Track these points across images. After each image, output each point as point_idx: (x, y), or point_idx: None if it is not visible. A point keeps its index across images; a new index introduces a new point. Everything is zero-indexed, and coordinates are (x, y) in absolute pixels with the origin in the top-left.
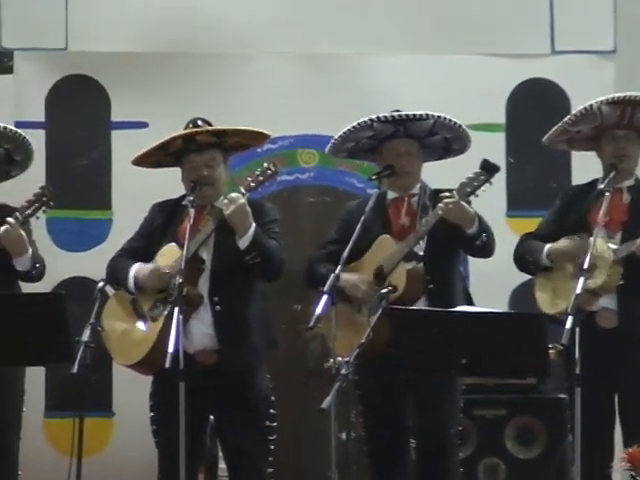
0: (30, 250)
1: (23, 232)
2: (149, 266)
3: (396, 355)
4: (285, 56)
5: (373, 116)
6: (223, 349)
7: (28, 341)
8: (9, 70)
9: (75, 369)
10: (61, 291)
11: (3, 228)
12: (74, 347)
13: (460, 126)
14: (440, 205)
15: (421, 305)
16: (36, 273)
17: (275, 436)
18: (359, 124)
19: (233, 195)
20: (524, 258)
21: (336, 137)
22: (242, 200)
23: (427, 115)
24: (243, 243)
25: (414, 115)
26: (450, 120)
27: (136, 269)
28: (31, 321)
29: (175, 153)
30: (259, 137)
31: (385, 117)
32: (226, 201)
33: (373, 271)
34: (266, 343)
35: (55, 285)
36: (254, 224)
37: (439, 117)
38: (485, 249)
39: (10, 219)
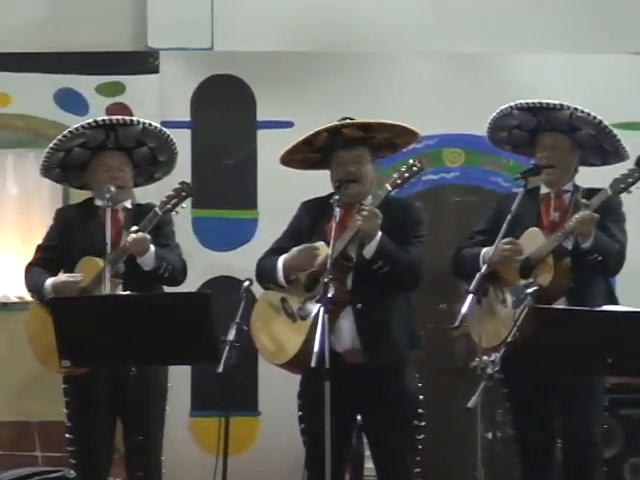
0: (152, 249)
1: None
2: (298, 247)
3: (540, 355)
4: (430, 55)
5: (512, 103)
6: (366, 347)
7: (174, 340)
8: (155, 70)
9: (221, 368)
10: (207, 290)
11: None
12: (220, 346)
13: (600, 122)
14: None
15: (561, 303)
16: (165, 272)
17: (423, 436)
18: (501, 110)
19: (363, 207)
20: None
21: (487, 126)
22: (374, 210)
23: (562, 105)
24: (368, 252)
25: (547, 104)
26: (589, 114)
27: (284, 257)
28: (177, 320)
29: (322, 149)
30: (407, 134)
31: (522, 104)
32: (357, 215)
33: (520, 263)
34: (409, 342)
35: (201, 284)
36: (380, 233)
37: (575, 109)
38: (600, 266)
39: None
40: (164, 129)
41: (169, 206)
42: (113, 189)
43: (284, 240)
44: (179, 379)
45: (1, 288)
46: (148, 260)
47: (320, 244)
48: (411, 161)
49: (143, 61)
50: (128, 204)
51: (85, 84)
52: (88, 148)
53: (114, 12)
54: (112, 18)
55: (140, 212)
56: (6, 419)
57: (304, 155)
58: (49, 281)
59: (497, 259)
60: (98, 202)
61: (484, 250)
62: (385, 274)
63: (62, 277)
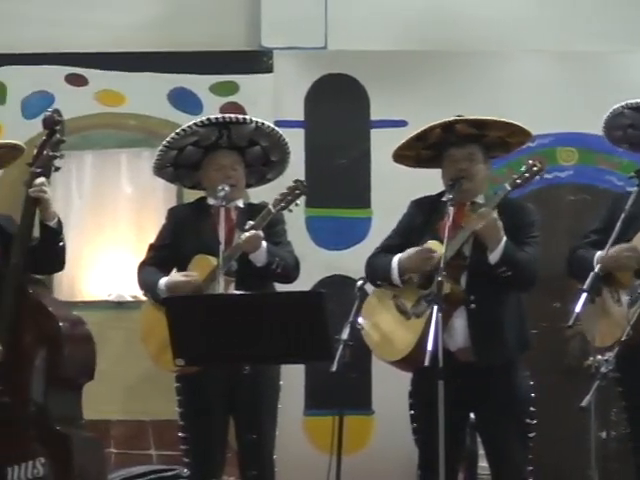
0: (264, 245)
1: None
2: (414, 248)
3: None
4: (543, 54)
5: (623, 103)
6: (477, 348)
7: (288, 339)
8: (269, 69)
9: (335, 367)
10: (321, 289)
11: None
12: (333, 345)
13: None
14: None
15: None
16: (277, 268)
17: (534, 434)
18: (613, 110)
19: (483, 210)
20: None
21: (602, 125)
22: (493, 215)
23: None
24: (493, 258)
25: None
26: None
27: (399, 257)
28: (291, 319)
29: (434, 146)
30: (520, 134)
31: (632, 104)
32: (475, 215)
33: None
34: (520, 343)
35: (315, 284)
36: (505, 238)
37: None
38: None
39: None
40: (277, 128)
41: (283, 204)
42: (227, 188)
43: (394, 238)
44: (293, 378)
45: (116, 287)
46: (260, 256)
47: (433, 243)
48: (531, 162)
49: (257, 60)
50: (240, 203)
51: (199, 83)
52: (201, 147)
53: (228, 11)
54: (226, 17)
55: (252, 211)
56: (121, 417)
57: (416, 151)
58: (163, 280)
59: (614, 265)
60: (211, 201)
61: (598, 254)
62: (506, 278)
63: (177, 276)
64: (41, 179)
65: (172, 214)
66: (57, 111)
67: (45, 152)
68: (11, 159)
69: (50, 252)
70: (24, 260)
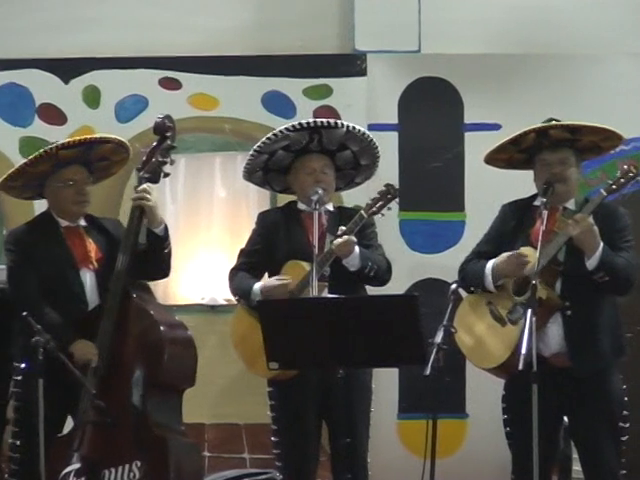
0: (357, 249)
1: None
2: (507, 253)
3: None
4: (637, 57)
5: None
6: (573, 355)
7: (382, 343)
8: (362, 73)
9: (428, 371)
10: (414, 293)
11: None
12: (427, 349)
13: None
14: None
15: None
16: (370, 272)
17: (627, 437)
18: None
19: (579, 215)
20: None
21: None
22: (589, 220)
23: None
24: (591, 264)
25: None
26: None
27: (493, 263)
28: (385, 323)
29: (527, 150)
30: (613, 138)
31: None
32: (571, 221)
33: None
34: (615, 349)
35: (408, 287)
36: (602, 244)
37: None
38: None
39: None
40: (367, 132)
41: (375, 208)
42: (320, 191)
43: (486, 244)
44: (387, 381)
45: (209, 291)
46: (353, 260)
47: (527, 249)
48: (626, 166)
49: (351, 64)
50: (331, 207)
51: (292, 87)
52: (291, 151)
53: (321, 15)
54: (320, 21)
55: (342, 215)
56: (215, 421)
57: (509, 155)
58: (258, 285)
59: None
60: (301, 205)
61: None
62: (603, 283)
63: (271, 280)
64: (145, 184)
65: (262, 219)
66: (168, 117)
67: (154, 158)
68: (119, 162)
69: (156, 258)
70: (129, 265)
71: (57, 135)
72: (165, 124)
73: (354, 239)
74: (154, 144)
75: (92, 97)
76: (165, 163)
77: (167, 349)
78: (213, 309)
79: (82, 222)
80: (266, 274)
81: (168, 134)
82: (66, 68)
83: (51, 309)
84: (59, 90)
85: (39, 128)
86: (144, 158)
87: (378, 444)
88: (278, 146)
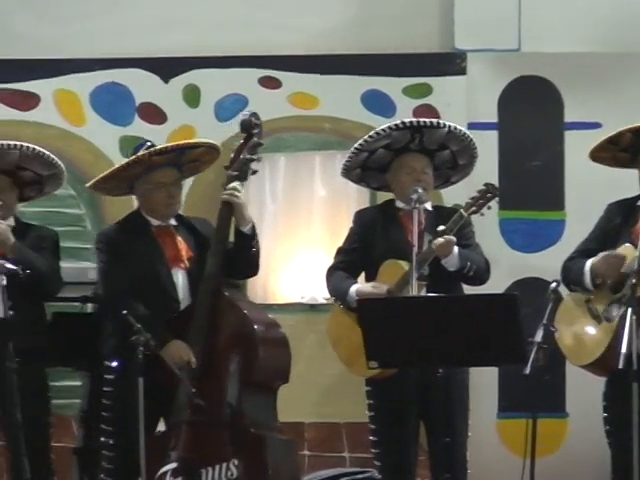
0: (456, 249)
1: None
2: (604, 252)
3: None
4: None
5: None
6: None
7: (481, 342)
8: (462, 71)
9: (528, 370)
10: (514, 292)
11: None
12: (527, 348)
13: None
14: None
15: None
16: (470, 272)
17: None
18: None
19: None
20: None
21: None
22: None
23: None
24: None
25: None
26: None
27: (591, 262)
28: (484, 322)
29: (630, 149)
30: None
31: None
32: None
33: None
34: None
35: (508, 286)
36: None
37: None
38: None
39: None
40: (467, 132)
41: (474, 208)
42: (421, 190)
43: (591, 242)
44: (487, 381)
45: (309, 290)
46: (452, 260)
47: (627, 248)
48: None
49: (450, 62)
50: (429, 206)
51: (392, 86)
52: (392, 149)
53: (421, 13)
54: (419, 19)
55: (440, 214)
56: (315, 420)
57: (611, 153)
58: (354, 288)
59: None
60: (399, 204)
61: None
62: None
63: (367, 287)
64: (234, 183)
65: (359, 217)
66: (255, 114)
67: (242, 155)
68: (209, 161)
69: (243, 257)
70: (220, 264)
71: (157, 134)
72: (252, 121)
73: (454, 239)
74: (241, 141)
75: (192, 96)
76: (253, 160)
77: (260, 347)
78: (313, 308)
79: (173, 222)
80: (363, 274)
81: (255, 131)
82: (166, 67)
83: (144, 308)
84: (159, 89)
85: (139, 127)
86: (232, 156)
87: (478, 443)
88: (379, 144)
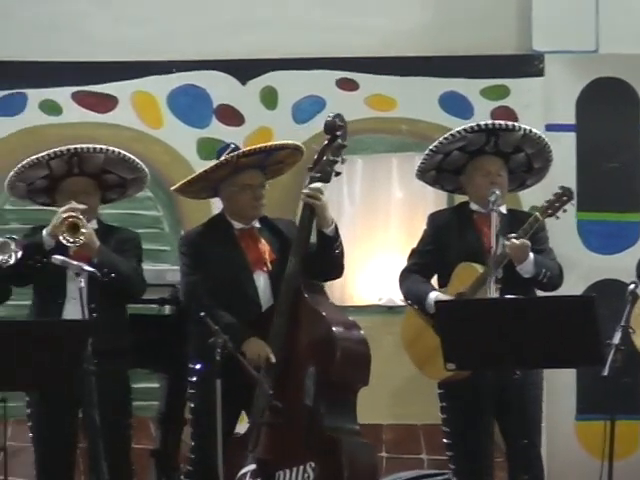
0: (531, 256)
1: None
2: None
3: None
4: None
5: None
6: None
7: (558, 344)
8: (540, 73)
9: (606, 372)
10: (591, 294)
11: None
12: (605, 350)
13: None
14: None
15: None
16: (544, 278)
17: None
18: None
19: None
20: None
21: None
22: None
23: None
24: None
25: None
26: None
27: None
28: (561, 324)
29: None
30: None
31: None
32: None
33: None
34: None
35: (586, 288)
36: None
37: None
38: None
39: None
40: (543, 136)
41: (550, 211)
42: (498, 192)
43: None
44: (565, 383)
45: (386, 292)
46: (527, 267)
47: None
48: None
49: (528, 64)
50: (504, 209)
51: (470, 87)
52: (467, 152)
53: (499, 15)
54: (497, 21)
55: (515, 218)
56: (392, 422)
57: None
58: (432, 296)
59: None
60: (474, 206)
61: None
62: None
63: (445, 297)
64: (316, 184)
65: (433, 219)
66: (339, 116)
67: (325, 157)
68: (292, 163)
69: (326, 259)
70: (300, 265)
71: (234, 136)
72: (336, 123)
73: (528, 243)
74: (325, 143)
75: (269, 98)
76: (336, 162)
77: (339, 349)
78: (390, 310)
79: (256, 224)
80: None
81: (339, 133)
82: (244, 69)
83: (224, 310)
84: (237, 91)
85: (216, 129)
86: (315, 157)
87: (556, 445)
88: (454, 147)
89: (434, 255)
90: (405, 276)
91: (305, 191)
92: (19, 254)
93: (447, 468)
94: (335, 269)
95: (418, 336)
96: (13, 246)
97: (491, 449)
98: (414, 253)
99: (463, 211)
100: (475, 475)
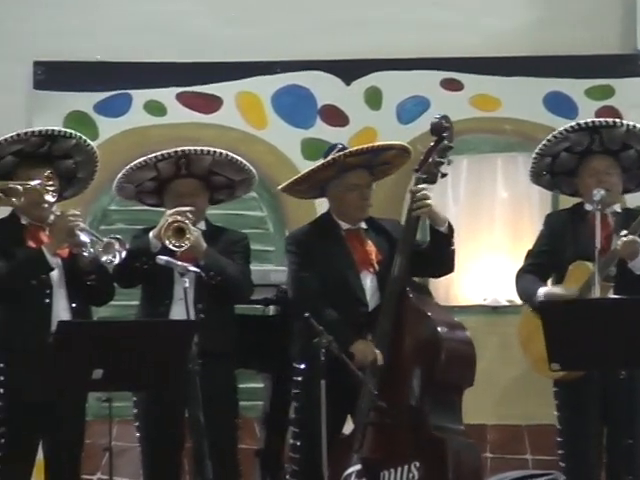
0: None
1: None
2: None
3: None
4: None
5: None
6: None
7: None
8: None
9: None
10: None
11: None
12: None
13: None
14: None
15: None
16: None
17: None
18: None
19: None
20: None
21: None
22: None
23: None
24: None
25: None
26: None
27: None
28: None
29: None
30: None
31: None
32: None
33: None
34: None
35: None
36: None
37: None
38: None
39: None
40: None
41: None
42: (602, 191)
43: None
44: None
45: (491, 292)
46: (639, 264)
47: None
48: None
49: (633, 64)
50: (618, 208)
51: (574, 87)
52: (575, 153)
53: (603, 15)
54: (602, 21)
55: (630, 216)
56: (497, 422)
57: None
58: (542, 291)
59: None
60: (587, 206)
61: None
62: None
63: (555, 289)
64: (423, 185)
65: (550, 220)
66: (445, 117)
67: (432, 158)
68: (399, 164)
69: (441, 255)
70: (406, 266)
71: (339, 136)
72: (442, 124)
73: (637, 240)
74: (431, 144)
75: (374, 98)
76: (442, 163)
77: (444, 349)
78: (495, 310)
79: (363, 225)
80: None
81: (445, 134)
82: (348, 69)
83: (332, 310)
84: (341, 91)
85: (321, 130)
86: (421, 158)
87: None
88: (559, 148)
89: (549, 255)
90: (520, 276)
91: (414, 200)
92: (123, 254)
93: (552, 468)
94: (448, 265)
95: (533, 335)
96: (117, 246)
97: (601, 449)
98: (530, 254)
99: (578, 211)
100: (584, 474)
